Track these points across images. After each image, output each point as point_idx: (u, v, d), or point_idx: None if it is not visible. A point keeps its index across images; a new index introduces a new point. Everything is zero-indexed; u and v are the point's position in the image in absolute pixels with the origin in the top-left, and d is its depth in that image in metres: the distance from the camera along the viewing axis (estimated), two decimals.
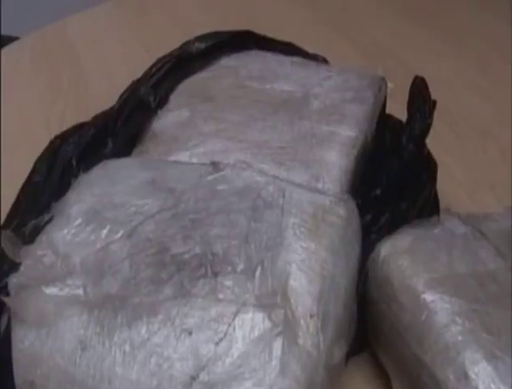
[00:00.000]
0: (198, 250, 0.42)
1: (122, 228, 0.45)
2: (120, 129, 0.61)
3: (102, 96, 0.72)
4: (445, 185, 0.65)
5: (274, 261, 0.42)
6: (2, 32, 1.15)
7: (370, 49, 0.86)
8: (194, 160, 0.55)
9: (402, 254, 0.47)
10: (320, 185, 0.52)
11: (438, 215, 0.57)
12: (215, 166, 0.48)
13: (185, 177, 0.48)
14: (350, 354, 0.49)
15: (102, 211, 0.46)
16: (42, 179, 0.58)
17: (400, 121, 0.64)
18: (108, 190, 0.48)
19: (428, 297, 0.44)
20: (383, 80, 0.63)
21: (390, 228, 0.53)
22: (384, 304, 0.46)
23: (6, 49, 0.83)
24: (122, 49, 0.85)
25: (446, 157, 0.69)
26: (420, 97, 0.57)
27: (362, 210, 0.54)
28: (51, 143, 0.61)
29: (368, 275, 0.49)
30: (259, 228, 0.43)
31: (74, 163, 0.59)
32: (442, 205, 0.62)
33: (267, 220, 0.44)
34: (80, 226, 0.45)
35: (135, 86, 0.64)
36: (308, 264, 0.42)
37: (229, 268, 0.41)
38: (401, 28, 0.90)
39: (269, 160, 0.54)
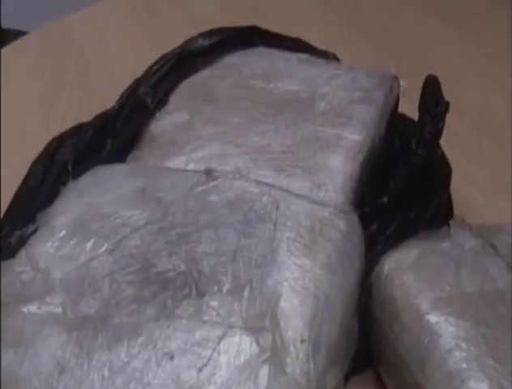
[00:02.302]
0: (183, 267, 0.40)
1: (107, 241, 0.42)
2: (119, 130, 0.59)
3: (106, 94, 0.70)
4: (462, 190, 0.62)
5: (264, 280, 0.39)
6: (10, 27, 1.13)
7: (385, 45, 0.82)
8: (191, 166, 0.52)
9: (406, 270, 0.44)
10: (322, 194, 0.49)
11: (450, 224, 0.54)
12: (208, 174, 0.46)
13: (176, 186, 0.45)
14: (351, 373, 0.47)
15: (88, 223, 0.44)
16: (37, 183, 0.56)
17: (413, 122, 0.61)
18: (97, 200, 0.45)
19: (433, 318, 0.41)
20: (395, 79, 0.60)
21: (398, 239, 0.50)
22: (386, 323, 0.44)
23: (10, 46, 0.81)
24: (129, 45, 0.83)
25: (463, 160, 0.65)
26: (432, 98, 0.54)
27: (368, 219, 0.51)
28: (48, 145, 0.59)
29: (371, 290, 0.46)
30: (249, 243, 0.40)
31: (70, 167, 0.57)
32: (458, 211, 0.58)
33: (259, 235, 0.41)
34: (64, 239, 0.43)
35: (135, 85, 0.61)
36: (301, 283, 0.39)
37: (215, 288, 0.39)
38: (418, 23, 0.86)
39: (269, 166, 0.51)
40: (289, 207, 0.43)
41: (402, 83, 0.61)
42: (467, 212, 0.59)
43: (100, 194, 0.46)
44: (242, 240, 0.41)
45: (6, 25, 1.23)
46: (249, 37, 0.64)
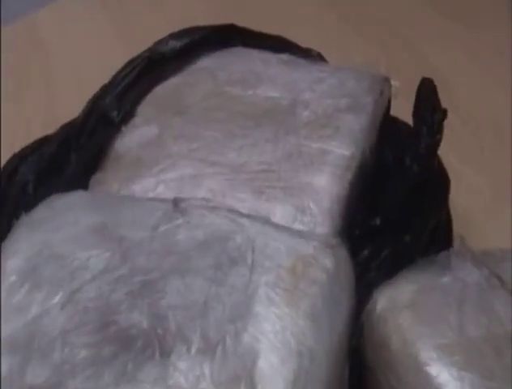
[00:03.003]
0: (146, 323, 0.35)
1: (61, 289, 0.37)
2: (83, 146, 0.54)
3: (74, 97, 0.64)
4: (463, 200, 0.56)
5: (238, 336, 0.34)
6: None
7: (383, 39, 0.76)
8: (161, 189, 0.47)
9: (402, 310, 0.39)
10: (307, 219, 0.44)
11: (451, 244, 0.49)
12: (176, 205, 0.40)
13: (140, 222, 0.40)
14: None
15: (41, 266, 0.39)
16: None
17: (407, 126, 0.55)
18: (51, 238, 0.40)
19: (433, 370, 0.36)
20: (386, 81, 0.54)
21: (392, 266, 0.45)
22: (380, 371, 0.39)
23: None
24: (99, 44, 0.76)
25: (465, 167, 0.60)
26: (428, 105, 0.48)
27: (359, 243, 0.46)
28: (8, 162, 0.54)
29: (363, 330, 0.41)
30: (222, 293, 0.35)
31: (31, 189, 0.52)
32: (457, 224, 0.53)
33: (232, 281, 0.36)
34: (15, 285, 0.38)
35: (101, 93, 0.55)
36: (281, 338, 0.34)
37: (183, 347, 0.34)
38: (417, 16, 0.79)
39: (246, 188, 0.46)
40: (268, 244, 0.38)
41: (393, 83, 0.56)
42: (467, 225, 0.55)
43: (56, 230, 0.41)
44: (213, 289, 0.35)
45: None
46: (226, 37, 0.58)
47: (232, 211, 0.40)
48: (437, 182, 0.49)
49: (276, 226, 0.40)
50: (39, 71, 0.73)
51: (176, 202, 0.41)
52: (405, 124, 0.56)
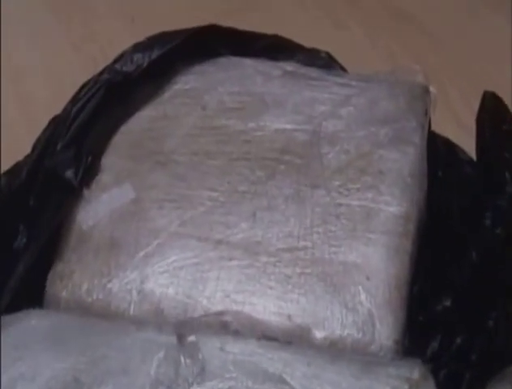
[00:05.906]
0: None
1: None
2: (34, 211, 0.40)
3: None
4: None
5: None
6: None
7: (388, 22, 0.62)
8: (149, 285, 0.34)
9: None
10: (360, 319, 0.33)
11: None
12: (181, 340, 0.27)
13: (132, 374, 0.27)
14: None
15: None
16: None
17: (450, 145, 0.43)
18: None
19: None
20: (426, 92, 0.41)
21: (471, 361, 0.33)
22: None
23: None
24: (48, 46, 0.60)
25: None
26: (500, 136, 0.36)
27: (425, 331, 0.34)
28: None
29: None
30: None
31: None
32: None
33: None
34: None
35: (49, 137, 0.41)
36: None
37: None
38: None
39: (270, 279, 0.34)
40: None
41: (431, 89, 0.43)
42: None
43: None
44: None
45: None
46: (208, 42, 0.44)
47: (263, 343, 0.27)
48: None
49: (330, 356, 0.28)
50: None
51: (180, 336, 0.28)
52: (447, 142, 0.43)
